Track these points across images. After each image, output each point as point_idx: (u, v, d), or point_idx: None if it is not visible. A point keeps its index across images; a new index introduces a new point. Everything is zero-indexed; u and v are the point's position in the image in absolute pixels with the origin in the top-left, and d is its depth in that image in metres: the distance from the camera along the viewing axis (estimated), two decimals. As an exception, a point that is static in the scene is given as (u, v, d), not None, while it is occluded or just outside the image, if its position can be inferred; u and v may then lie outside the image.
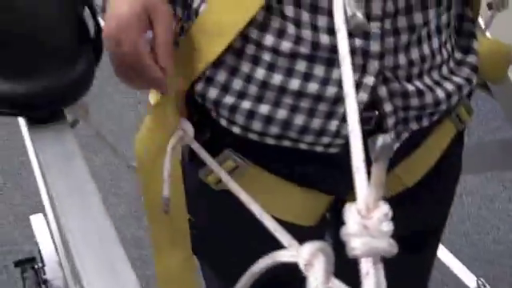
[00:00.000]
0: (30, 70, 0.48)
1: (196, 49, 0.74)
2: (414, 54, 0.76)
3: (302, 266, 0.39)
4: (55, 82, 0.48)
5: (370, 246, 0.34)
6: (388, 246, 0.35)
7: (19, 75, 0.47)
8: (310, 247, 0.39)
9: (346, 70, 0.41)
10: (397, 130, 0.78)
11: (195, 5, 0.76)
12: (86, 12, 0.57)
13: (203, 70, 0.74)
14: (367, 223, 0.35)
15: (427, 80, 0.78)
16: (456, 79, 0.81)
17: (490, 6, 1.02)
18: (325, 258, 0.38)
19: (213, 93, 0.75)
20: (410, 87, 0.77)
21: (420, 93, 0.77)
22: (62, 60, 0.49)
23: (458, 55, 0.82)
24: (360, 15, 0.48)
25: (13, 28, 0.51)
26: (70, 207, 0.40)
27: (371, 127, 0.77)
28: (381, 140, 0.36)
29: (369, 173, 0.37)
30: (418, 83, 0.77)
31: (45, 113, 0.48)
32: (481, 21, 1.04)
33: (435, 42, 0.77)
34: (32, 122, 0.49)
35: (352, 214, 0.35)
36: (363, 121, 0.76)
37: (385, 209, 0.36)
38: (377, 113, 0.76)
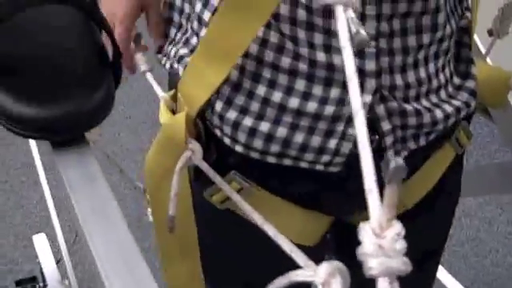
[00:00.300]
0: (52, 96, 0.50)
1: (203, 72, 0.76)
2: (411, 76, 0.78)
3: (319, 286, 0.40)
4: (77, 107, 0.50)
5: (386, 265, 0.36)
6: (403, 264, 0.36)
7: (42, 100, 0.49)
8: (327, 267, 0.40)
9: (354, 89, 0.42)
10: (395, 148, 0.79)
11: (197, 9, 0.78)
12: (104, 36, 0.59)
13: (211, 93, 0.76)
14: (382, 243, 0.36)
15: (425, 102, 0.80)
16: (455, 102, 0.82)
17: (490, 33, 1.05)
18: (341, 277, 0.39)
19: (218, 105, 0.78)
20: (408, 107, 0.78)
21: (418, 112, 0.79)
22: (84, 85, 0.51)
23: (456, 80, 0.84)
24: (363, 32, 0.49)
25: (36, 55, 0.53)
26: (94, 226, 0.42)
27: (372, 147, 0.78)
28: (394, 163, 0.38)
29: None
30: (415, 104, 0.79)
31: (67, 136, 0.50)
32: (481, 47, 1.07)
33: (431, 67, 0.79)
34: (55, 145, 0.51)
35: (367, 234, 0.37)
36: None
37: (398, 228, 0.37)
38: (377, 137, 0.78)
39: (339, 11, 0.49)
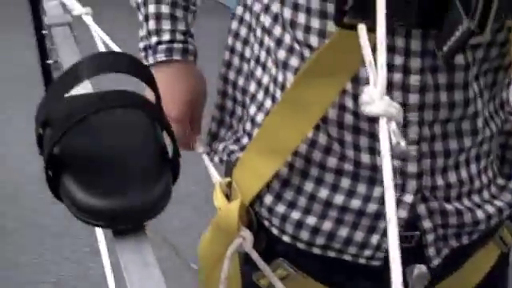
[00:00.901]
0: (116, 190, 0.57)
1: (255, 165, 0.83)
2: (452, 177, 0.81)
3: None
4: (137, 201, 0.56)
5: None
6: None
7: (107, 193, 0.56)
8: None
9: (390, 199, 0.46)
10: (436, 246, 0.82)
11: (251, 112, 0.85)
12: (165, 134, 0.67)
13: (262, 186, 0.83)
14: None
15: (466, 202, 0.82)
16: (497, 203, 0.84)
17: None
18: None
19: (267, 199, 0.83)
20: (449, 206, 0.81)
21: (459, 212, 0.81)
22: (145, 181, 0.58)
23: (500, 181, 0.86)
24: (403, 144, 0.53)
25: (105, 153, 0.61)
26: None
27: (413, 245, 0.82)
28: (417, 270, 0.42)
29: None
30: (456, 204, 0.82)
31: (127, 226, 0.57)
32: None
33: (473, 168, 0.82)
34: (116, 232, 0.57)
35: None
36: (404, 239, 0.82)
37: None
38: (418, 233, 0.81)
39: (382, 123, 0.54)
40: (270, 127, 0.81)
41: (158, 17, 0.90)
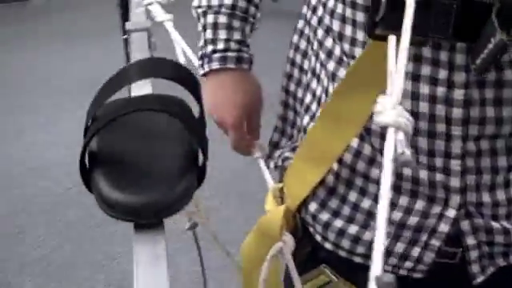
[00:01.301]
0: (140, 186, 0.61)
1: (302, 172, 0.84)
2: (500, 195, 0.79)
3: None
4: (158, 198, 0.60)
5: None
6: None
7: (132, 189, 0.61)
8: None
9: (382, 214, 0.47)
10: (481, 263, 0.81)
11: (304, 122, 0.86)
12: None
13: (308, 192, 0.84)
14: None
15: None
16: None
17: None
18: None
19: (312, 206, 0.84)
20: (495, 224, 0.79)
21: (506, 231, 0.79)
22: (168, 180, 0.62)
23: None
24: (408, 153, 0.53)
25: (135, 151, 0.66)
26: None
27: (456, 261, 0.81)
28: (386, 277, 0.42)
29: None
30: (504, 223, 0.80)
31: (148, 221, 0.61)
32: None
33: None
34: (137, 226, 0.62)
35: None
36: (447, 255, 0.81)
37: None
38: (460, 249, 0.79)
39: (390, 132, 0.54)
40: (313, 136, 0.82)
41: (215, 26, 0.93)
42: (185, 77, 0.73)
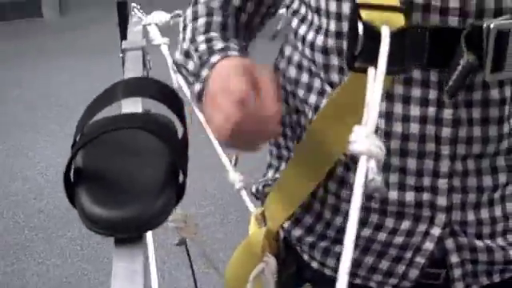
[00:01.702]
0: (118, 202, 0.63)
1: (286, 195, 0.86)
2: (484, 213, 0.80)
3: None
4: (136, 214, 0.62)
5: None
6: None
7: (111, 205, 0.63)
8: None
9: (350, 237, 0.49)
10: (465, 281, 0.82)
11: (285, 153, 0.88)
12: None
13: (288, 215, 0.86)
14: None
15: (500, 241, 0.82)
16: None
17: None
18: None
19: (298, 232, 0.86)
20: (479, 243, 0.80)
21: (489, 249, 0.81)
22: (146, 197, 0.64)
23: None
24: (379, 180, 0.55)
25: (117, 168, 0.68)
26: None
27: (440, 281, 0.82)
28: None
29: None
30: (488, 241, 0.81)
31: (126, 235, 0.63)
32: None
33: (510, 206, 0.81)
34: (117, 241, 0.63)
35: None
36: (432, 276, 0.82)
37: None
38: (444, 270, 0.81)
39: (362, 160, 0.56)
40: (287, 174, 0.85)
41: (209, 40, 0.84)
42: (170, 97, 0.76)
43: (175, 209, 0.72)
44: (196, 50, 0.84)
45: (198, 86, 0.81)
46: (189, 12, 0.89)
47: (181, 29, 0.90)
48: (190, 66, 0.84)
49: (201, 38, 0.85)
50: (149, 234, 0.99)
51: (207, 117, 0.74)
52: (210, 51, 0.81)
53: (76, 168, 0.69)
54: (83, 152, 0.71)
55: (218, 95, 0.71)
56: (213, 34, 0.85)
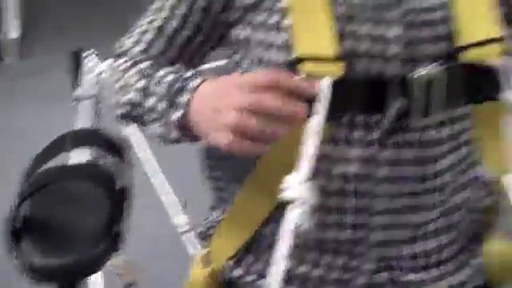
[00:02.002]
0: (59, 251, 0.66)
1: (229, 236, 0.89)
2: (418, 247, 0.84)
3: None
4: (70, 262, 0.65)
5: None
6: None
7: (47, 254, 0.65)
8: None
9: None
10: None
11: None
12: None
13: (235, 253, 0.89)
14: None
15: (434, 272, 0.86)
16: (460, 277, 0.88)
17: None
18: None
19: (239, 271, 0.90)
20: (412, 276, 0.85)
21: (422, 282, 0.85)
22: (82, 247, 0.67)
23: (463, 256, 0.89)
24: (306, 225, 0.60)
25: (59, 219, 0.70)
26: None
27: None
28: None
29: None
30: (422, 274, 0.85)
31: (65, 282, 0.65)
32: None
33: (437, 241, 0.86)
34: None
35: None
36: None
37: None
38: None
39: (294, 206, 0.60)
40: (234, 209, 0.89)
41: (173, 72, 0.83)
42: (116, 147, 0.79)
43: (117, 255, 0.74)
44: (159, 83, 0.83)
45: (177, 114, 0.79)
46: (121, 61, 0.91)
47: (113, 79, 0.90)
48: (151, 102, 0.83)
49: (161, 72, 0.84)
50: (98, 276, 1.00)
51: (208, 125, 0.73)
52: (184, 79, 0.80)
53: (21, 216, 0.71)
54: (27, 201, 0.73)
55: (229, 93, 0.70)
56: (171, 68, 0.85)
